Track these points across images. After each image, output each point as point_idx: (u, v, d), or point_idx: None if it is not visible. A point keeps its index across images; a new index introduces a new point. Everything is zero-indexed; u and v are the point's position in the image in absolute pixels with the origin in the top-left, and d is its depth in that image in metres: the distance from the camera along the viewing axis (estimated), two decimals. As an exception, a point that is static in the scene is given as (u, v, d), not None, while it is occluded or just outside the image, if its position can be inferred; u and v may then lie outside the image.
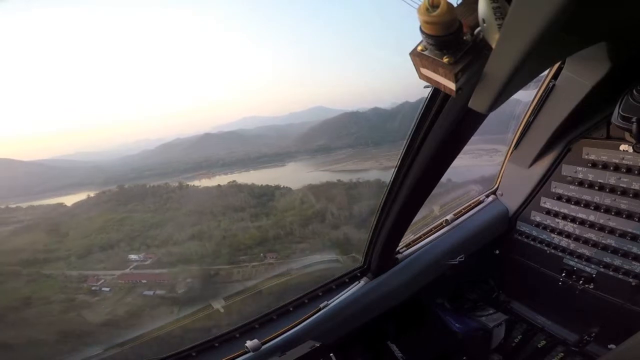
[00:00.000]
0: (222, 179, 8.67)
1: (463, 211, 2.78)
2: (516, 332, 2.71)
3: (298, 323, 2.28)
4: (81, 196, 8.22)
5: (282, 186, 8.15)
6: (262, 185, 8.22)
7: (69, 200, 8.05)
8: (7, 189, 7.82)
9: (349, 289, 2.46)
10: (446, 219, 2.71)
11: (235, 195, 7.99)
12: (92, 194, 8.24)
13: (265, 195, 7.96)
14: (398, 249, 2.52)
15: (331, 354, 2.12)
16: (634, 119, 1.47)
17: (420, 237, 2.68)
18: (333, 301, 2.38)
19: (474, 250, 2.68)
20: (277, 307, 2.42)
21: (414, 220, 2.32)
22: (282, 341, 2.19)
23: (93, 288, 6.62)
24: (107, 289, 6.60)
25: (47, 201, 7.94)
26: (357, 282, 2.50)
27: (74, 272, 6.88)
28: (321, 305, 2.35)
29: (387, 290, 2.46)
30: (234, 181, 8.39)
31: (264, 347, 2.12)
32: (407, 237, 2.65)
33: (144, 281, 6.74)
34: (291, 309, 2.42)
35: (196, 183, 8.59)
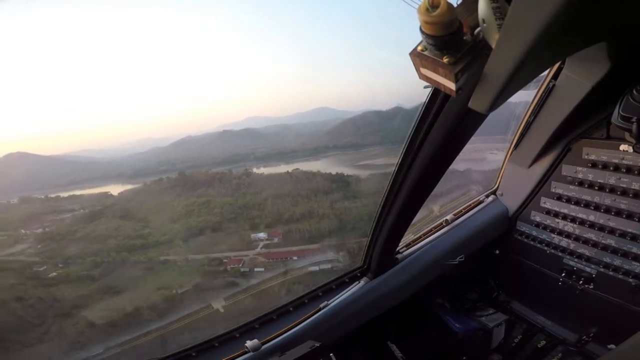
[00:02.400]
0: (273, 170, 8.70)
1: (463, 211, 2.78)
2: (516, 332, 2.71)
3: (298, 323, 2.28)
4: (126, 186, 8.22)
5: (346, 174, 8.14)
6: (326, 172, 8.24)
7: (111, 189, 8.08)
8: (32, 181, 7.82)
9: (349, 289, 2.46)
10: (446, 219, 2.70)
11: (311, 180, 7.97)
12: (147, 182, 8.21)
13: (339, 181, 7.92)
14: (398, 249, 2.52)
15: (331, 354, 2.12)
16: (634, 119, 1.47)
17: (420, 237, 2.68)
18: (333, 301, 2.38)
19: (474, 250, 2.68)
20: (277, 307, 2.42)
21: (414, 220, 2.32)
22: (282, 341, 2.19)
23: (243, 270, 6.48)
24: (261, 269, 6.41)
25: (87, 191, 7.95)
26: (357, 282, 2.50)
27: (198, 255, 6.80)
28: (321, 305, 2.35)
29: (387, 290, 2.46)
30: (297, 168, 8.42)
31: (264, 347, 2.12)
32: (407, 237, 2.65)
33: (295, 257, 6.58)
34: (291, 309, 2.42)
35: (257, 171, 8.61)
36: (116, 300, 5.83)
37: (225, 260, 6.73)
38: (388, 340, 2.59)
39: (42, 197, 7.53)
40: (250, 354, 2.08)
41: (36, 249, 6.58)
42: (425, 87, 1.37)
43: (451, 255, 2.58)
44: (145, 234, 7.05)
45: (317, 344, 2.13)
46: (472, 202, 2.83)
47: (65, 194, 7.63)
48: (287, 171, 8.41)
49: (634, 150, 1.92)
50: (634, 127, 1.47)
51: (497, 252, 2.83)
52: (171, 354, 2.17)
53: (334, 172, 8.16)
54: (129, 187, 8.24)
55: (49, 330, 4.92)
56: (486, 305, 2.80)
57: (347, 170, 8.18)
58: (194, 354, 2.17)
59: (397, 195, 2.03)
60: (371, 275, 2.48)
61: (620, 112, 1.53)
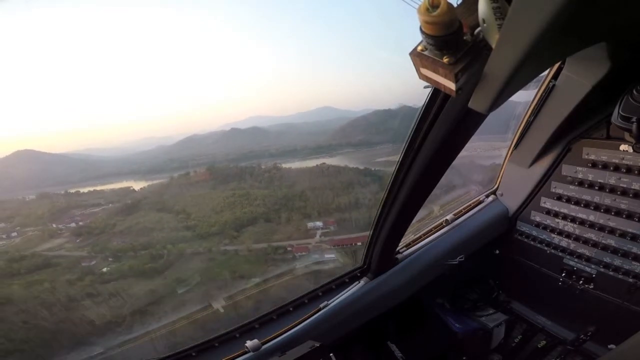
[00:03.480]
0: (298, 164, 8.74)
1: (463, 211, 2.78)
2: (516, 332, 2.71)
3: (298, 323, 2.28)
4: (148, 182, 8.22)
5: (372, 169, 8.09)
6: (353, 167, 8.26)
7: (132, 185, 8.08)
8: (42, 178, 7.79)
9: (349, 289, 2.46)
10: (446, 219, 2.71)
11: (341, 174, 7.97)
12: (175, 176, 8.20)
13: (371, 175, 7.85)
14: (398, 249, 2.52)
15: (331, 354, 2.12)
16: (634, 119, 1.47)
17: (420, 237, 2.68)
18: (333, 301, 2.38)
19: (474, 250, 2.68)
20: (277, 307, 2.42)
21: (414, 220, 2.32)
22: (282, 341, 2.19)
23: (314, 257, 6.45)
24: (332, 255, 6.32)
25: (107, 187, 7.91)
26: (357, 282, 2.50)
27: (260, 245, 6.77)
28: (321, 305, 2.35)
29: (387, 290, 2.46)
30: (324, 163, 8.46)
31: (264, 347, 2.12)
32: (407, 237, 2.65)
33: (359, 243, 6.30)
34: (291, 309, 2.42)
35: (285, 166, 8.65)
36: (196, 292, 5.66)
37: (289, 249, 6.76)
38: (388, 340, 2.59)
39: (62, 192, 7.47)
40: (250, 354, 2.08)
41: (75, 243, 6.49)
42: (425, 87, 1.37)
43: (451, 255, 2.57)
44: (192, 226, 7.00)
45: (317, 344, 2.13)
46: (472, 202, 2.84)
47: (84, 190, 7.61)
48: (317, 165, 8.49)
49: (634, 150, 1.92)
50: (634, 127, 1.47)
51: (497, 252, 2.83)
52: (171, 354, 2.16)
53: (361, 167, 8.19)
54: (150, 182, 8.27)
55: (131, 328, 4.63)
56: (486, 305, 2.79)
57: (371, 166, 8.22)
58: (194, 354, 2.17)
59: (397, 195, 2.03)
60: (371, 275, 2.48)
61: (620, 112, 1.53)
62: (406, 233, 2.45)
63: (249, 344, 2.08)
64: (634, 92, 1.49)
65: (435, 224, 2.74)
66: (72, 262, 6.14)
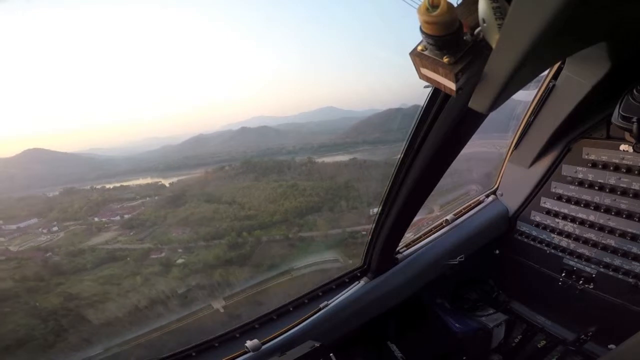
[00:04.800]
0: (329, 159, 8.79)
1: (463, 211, 2.78)
2: (516, 332, 2.71)
3: (298, 323, 2.28)
4: (169, 178, 8.20)
5: None
6: (382, 161, 8.23)
7: (161, 180, 8.12)
8: (56, 175, 7.75)
9: (349, 289, 2.46)
10: (446, 219, 2.71)
11: (378, 167, 7.87)
12: (209, 170, 8.30)
13: None
14: (398, 249, 2.52)
15: (331, 354, 2.12)
16: (634, 119, 1.47)
17: (420, 237, 2.68)
18: (333, 301, 2.38)
19: (474, 250, 2.68)
20: (277, 307, 2.42)
21: (414, 220, 2.32)
22: (282, 341, 2.19)
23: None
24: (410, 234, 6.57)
25: (132, 182, 7.93)
26: (357, 282, 2.50)
27: (334, 230, 6.82)
28: (321, 305, 2.35)
29: (387, 290, 2.46)
30: (355, 157, 8.51)
31: (264, 347, 2.12)
32: (407, 237, 2.65)
33: (427, 223, 6.78)
34: (291, 309, 2.42)
35: (318, 160, 8.74)
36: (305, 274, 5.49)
37: (363, 233, 6.82)
38: (388, 340, 2.59)
39: (87, 187, 7.46)
40: (250, 354, 2.08)
41: (129, 236, 6.41)
42: (425, 87, 1.37)
43: (451, 255, 2.57)
44: (252, 215, 7.00)
45: (317, 344, 2.13)
46: (472, 202, 2.84)
47: (109, 186, 7.60)
48: (350, 159, 8.61)
49: (634, 150, 1.92)
50: (634, 127, 1.47)
51: (497, 252, 2.83)
52: (171, 354, 2.16)
53: (389, 162, 8.35)
54: (178, 178, 8.28)
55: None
56: (486, 305, 2.79)
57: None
58: (193, 354, 2.17)
59: (397, 195, 2.03)
60: (371, 275, 2.48)
61: (620, 112, 1.53)
62: (406, 233, 2.45)
63: (249, 344, 2.08)
64: (634, 92, 1.49)
65: (435, 224, 2.74)
66: (140, 254, 6.07)
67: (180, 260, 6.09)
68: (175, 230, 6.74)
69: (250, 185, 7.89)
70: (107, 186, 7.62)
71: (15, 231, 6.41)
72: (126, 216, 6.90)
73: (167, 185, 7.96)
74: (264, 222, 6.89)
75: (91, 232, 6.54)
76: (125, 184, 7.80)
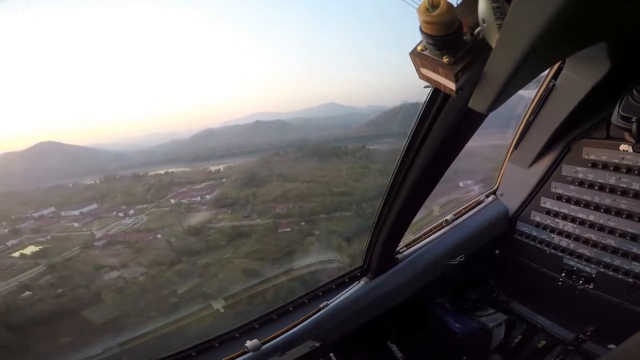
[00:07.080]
0: (376, 147, 8.90)
1: (463, 211, 2.78)
2: (516, 332, 2.71)
3: (298, 323, 2.28)
4: (223, 164, 8.46)
5: None
6: None
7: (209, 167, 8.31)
8: (76, 167, 7.74)
9: (349, 289, 2.46)
10: (446, 219, 2.71)
11: None
12: (266, 156, 8.50)
13: None
14: (398, 249, 2.52)
15: (331, 354, 2.12)
16: (634, 119, 1.46)
17: (420, 237, 2.68)
18: (333, 301, 2.38)
19: (474, 250, 2.68)
20: (277, 307, 2.42)
21: (414, 220, 2.32)
22: (282, 341, 2.19)
23: None
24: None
25: (179, 169, 8.08)
26: (357, 282, 2.50)
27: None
28: (321, 305, 2.35)
29: (387, 290, 2.46)
30: (391, 147, 8.62)
31: (264, 347, 2.12)
32: (407, 237, 2.65)
33: None
34: (291, 309, 2.42)
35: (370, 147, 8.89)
36: None
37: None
38: (388, 340, 2.59)
39: (129, 174, 7.54)
40: (250, 354, 2.08)
41: (229, 214, 6.41)
42: (425, 87, 1.37)
43: (451, 255, 2.57)
44: (345, 191, 7.10)
45: (317, 344, 2.13)
46: (472, 202, 2.83)
47: (151, 173, 7.70)
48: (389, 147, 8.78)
49: (634, 150, 1.92)
50: (634, 127, 1.46)
51: (497, 252, 2.83)
52: (171, 354, 2.16)
53: None
54: (223, 165, 8.44)
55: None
56: (486, 305, 2.80)
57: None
58: (193, 354, 2.17)
59: (397, 195, 2.03)
60: (371, 275, 2.48)
61: (620, 112, 1.53)
62: (406, 233, 2.45)
63: (249, 344, 2.08)
64: (634, 92, 1.49)
65: (435, 224, 2.74)
66: (267, 228, 6.06)
67: (317, 232, 6.18)
68: (279, 206, 6.77)
69: (320, 167, 8.04)
70: (150, 173, 7.69)
71: (79, 217, 6.39)
72: (207, 197, 6.83)
73: (213, 171, 8.15)
74: (359, 198, 6.93)
75: (180, 213, 6.49)
76: (169, 170, 7.87)
